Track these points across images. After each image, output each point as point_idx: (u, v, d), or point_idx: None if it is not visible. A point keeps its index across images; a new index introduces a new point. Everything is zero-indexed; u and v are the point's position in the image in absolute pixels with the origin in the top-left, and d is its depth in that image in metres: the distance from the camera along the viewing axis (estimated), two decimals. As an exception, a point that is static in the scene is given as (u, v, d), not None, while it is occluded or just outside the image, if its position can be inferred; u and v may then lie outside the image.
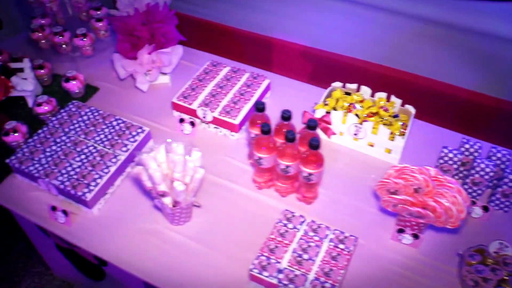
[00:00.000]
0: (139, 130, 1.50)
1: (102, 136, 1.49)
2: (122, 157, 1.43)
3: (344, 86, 1.60)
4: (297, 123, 1.41)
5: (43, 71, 1.77)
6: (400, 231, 1.29)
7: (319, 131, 1.52)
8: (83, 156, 1.43)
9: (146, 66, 1.67)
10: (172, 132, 1.61)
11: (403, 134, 1.48)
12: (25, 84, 1.63)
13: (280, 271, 1.16)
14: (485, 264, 1.19)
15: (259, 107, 1.33)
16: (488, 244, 1.23)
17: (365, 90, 1.58)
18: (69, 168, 1.40)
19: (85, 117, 1.55)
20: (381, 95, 1.55)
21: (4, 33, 1.60)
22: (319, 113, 1.52)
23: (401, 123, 1.51)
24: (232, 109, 1.55)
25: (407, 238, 1.29)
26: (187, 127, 1.57)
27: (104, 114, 1.56)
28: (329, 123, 1.50)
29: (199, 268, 1.26)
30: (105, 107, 1.62)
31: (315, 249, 1.20)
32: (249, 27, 1.99)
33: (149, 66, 1.67)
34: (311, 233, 1.24)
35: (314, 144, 1.22)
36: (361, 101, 1.56)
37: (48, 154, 1.44)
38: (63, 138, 1.49)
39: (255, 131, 1.37)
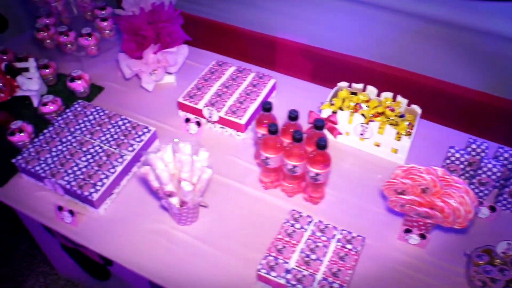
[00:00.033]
0: (145, 130, 1.50)
1: (108, 136, 1.49)
2: (128, 157, 1.43)
3: (350, 86, 1.60)
4: (303, 123, 1.40)
5: (48, 70, 1.77)
6: (407, 231, 1.28)
7: (325, 131, 1.52)
8: (89, 156, 1.43)
9: (152, 66, 1.66)
10: (178, 132, 1.60)
11: (409, 134, 1.48)
12: (31, 84, 1.63)
13: (288, 271, 1.16)
14: (492, 264, 1.19)
15: (266, 107, 1.32)
16: (495, 245, 1.23)
17: (371, 90, 1.58)
18: (75, 168, 1.40)
19: (90, 117, 1.55)
20: (387, 95, 1.55)
21: (9, 32, 1.59)
22: (325, 113, 1.52)
23: (407, 123, 1.51)
24: (238, 108, 1.55)
25: (414, 238, 1.29)
26: (193, 126, 1.57)
27: (110, 114, 1.56)
28: (335, 123, 1.50)
29: (206, 268, 1.26)
30: (110, 107, 1.62)
31: (322, 249, 1.20)
32: (254, 26, 1.99)
33: (155, 65, 1.67)
34: (318, 233, 1.24)
35: (322, 144, 1.22)
36: (367, 101, 1.56)
37: (54, 154, 1.44)
38: (69, 138, 1.49)
39: (262, 131, 1.37)
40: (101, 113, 1.56)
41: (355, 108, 1.53)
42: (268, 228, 1.31)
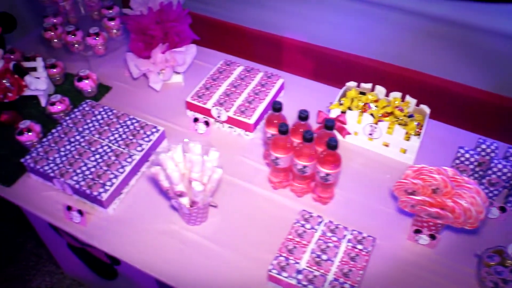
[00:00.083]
0: (154, 130, 1.50)
1: (116, 135, 1.49)
2: (137, 157, 1.43)
3: (358, 86, 1.60)
4: (312, 123, 1.40)
5: (55, 70, 1.76)
6: (417, 231, 1.28)
7: (334, 131, 1.52)
8: (97, 156, 1.43)
9: (160, 65, 1.66)
10: (186, 132, 1.60)
11: (418, 134, 1.48)
12: (39, 83, 1.63)
13: (299, 271, 1.15)
14: (504, 265, 1.19)
15: (276, 106, 1.32)
16: (505, 245, 1.22)
17: (380, 90, 1.57)
18: (84, 168, 1.40)
19: (98, 117, 1.55)
20: (396, 94, 1.55)
21: (15, 32, 1.59)
22: (334, 113, 1.52)
23: (417, 123, 1.50)
24: (247, 108, 1.55)
25: (423, 238, 1.29)
26: (201, 126, 1.57)
27: (118, 114, 1.56)
28: (344, 123, 1.50)
29: (216, 268, 1.26)
30: (117, 106, 1.62)
31: (333, 249, 1.20)
32: (262, 26, 1.99)
33: (163, 65, 1.66)
34: (329, 234, 1.24)
35: (333, 145, 1.21)
36: (376, 101, 1.55)
37: (62, 153, 1.44)
38: (77, 137, 1.49)
39: (272, 131, 1.36)
40: (109, 113, 1.56)
41: (364, 108, 1.53)
42: (277, 228, 1.31)
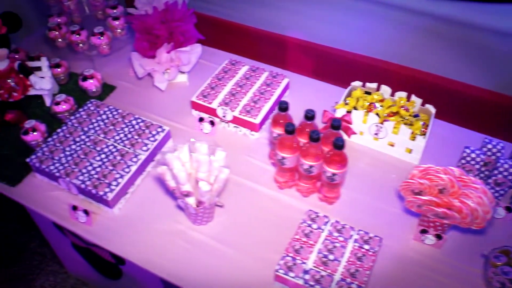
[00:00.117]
0: (159, 130, 1.50)
1: (122, 135, 1.49)
2: (143, 157, 1.42)
3: (364, 85, 1.59)
4: (317, 122, 1.40)
5: (59, 69, 1.76)
6: (423, 231, 1.28)
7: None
8: (103, 156, 1.43)
9: (165, 65, 1.66)
10: (191, 131, 1.60)
11: (424, 134, 1.48)
12: (43, 83, 1.63)
13: (306, 271, 1.15)
14: (511, 265, 1.18)
15: (283, 106, 1.32)
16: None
17: (385, 90, 1.57)
18: (89, 168, 1.40)
19: (104, 116, 1.55)
20: (402, 94, 1.54)
21: (20, 31, 1.59)
22: (339, 113, 1.51)
23: (422, 122, 1.50)
24: (253, 108, 1.54)
25: (430, 238, 1.28)
26: (206, 126, 1.57)
27: (123, 113, 1.55)
28: (349, 123, 1.49)
29: (222, 267, 1.26)
30: (122, 106, 1.62)
31: (340, 249, 1.20)
32: (266, 26, 1.98)
33: (168, 64, 1.66)
34: (335, 234, 1.24)
35: (339, 144, 1.21)
36: (381, 101, 1.55)
37: (68, 153, 1.44)
38: (83, 137, 1.49)
39: (278, 130, 1.36)
40: (114, 113, 1.56)
41: (370, 108, 1.53)
42: (283, 228, 1.31)
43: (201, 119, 1.57)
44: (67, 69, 1.79)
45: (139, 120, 1.53)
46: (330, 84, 1.76)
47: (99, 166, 1.40)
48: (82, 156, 1.43)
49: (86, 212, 1.34)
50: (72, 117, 1.55)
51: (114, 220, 1.38)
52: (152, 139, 1.47)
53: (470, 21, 1.61)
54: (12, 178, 1.47)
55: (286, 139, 1.28)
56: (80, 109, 1.57)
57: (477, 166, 1.37)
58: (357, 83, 1.59)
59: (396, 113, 1.51)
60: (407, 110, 1.50)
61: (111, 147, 1.45)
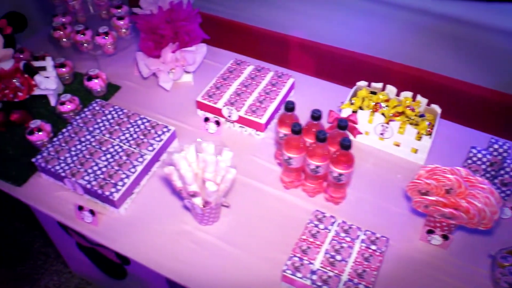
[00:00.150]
0: (165, 129, 1.50)
1: (127, 135, 1.49)
2: (149, 157, 1.42)
3: (369, 85, 1.59)
4: (323, 122, 1.40)
5: (64, 69, 1.76)
6: (430, 232, 1.28)
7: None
8: (108, 156, 1.43)
9: (170, 65, 1.66)
10: (197, 131, 1.60)
11: (430, 134, 1.47)
12: (48, 83, 1.63)
13: (313, 272, 1.15)
14: (518, 266, 1.19)
15: (289, 106, 1.32)
16: (518, 246, 1.22)
17: (391, 89, 1.57)
18: (95, 168, 1.40)
19: (109, 116, 1.55)
20: (407, 94, 1.54)
21: (25, 31, 1.59)
22: (345, 113, 1.51)
23: (428, 122, 1.50)
24: (258, 108, 1.54)
25: (436, 239, 1.28)
26: (212, 126, 1.57)
27: (129, 113, 1.55)
28: (355, 123, 1.49)
29: (228, 268, 1.26)
30: (127, 106, 1.61)
31: (347, 250, 1.19)
32: (271, 26, 1.98)
33: (173, 64, 1.66)
34: (342, 234, 1.23)
35: (346, 145, 1.21)
36: (387, 101, 1.55)
37: (73, 153, 1.44)
38: (88, 137, 1.48)
39: (284, 130, 1.36)
40: (120, 112, 1.56)
41: (375, 108, 1.52)
42: (290, 228, 1.31)
43: (206, 119, 1.57)
44: (72, 69, 1.79)
45: (144, 120, 1.53)
46: (335, 84, 1.76)
47: (105, 166, 1.40)
48: (88, 156, 1.43)
49: (92, 212, 1.34)
50: (77, 117, 1.55)
51: (120, 220, 1.38)
52: (158, 139, 1.47)
53: (475, 20, 1.61)
54: (17, 178, 1.47)
55: (292, 139, 1.28)
56: (85, 109, 1.57)
57: (484, 166, 1.37)
58: (362, 83, 1.59)
59: (401, 113, 1.51)
60: (412, 110, 1.50)
61: (116, 147, 1.45)
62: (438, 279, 1.23)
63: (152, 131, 1.49)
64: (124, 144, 1.46)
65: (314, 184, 1.37)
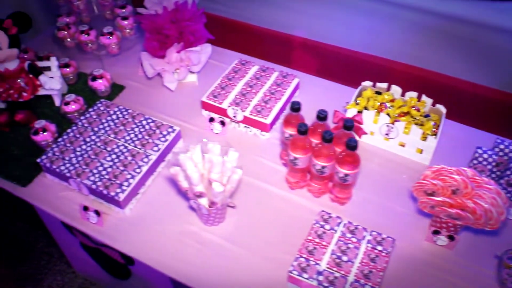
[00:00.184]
0: (170, 130, 1.50)
1: (132, 135, 1.48)
2: (154, 157, 1.42)
3: (374, 85, 1.59)
4: (328, 122, 1.39)
5: (68, 69, 1.76)
6: (435, 232, 1.27)
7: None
8: (114, 156, 1.43)
9: (175, 65, 1.66)
10: (202, 132, 1.60)
11: (435, 134, 1.47)
12: (53, 83, 1.62)
13: (319, 273, 1.15)
14: (524, 266, 1.18)
15: (295, 107, 1.32)
16: (526, 246, 1.22)
17: (396, 90, 1.57)
18: (100, 168, 1.40)
19: (114, 116, 1.55)
20: (412, 94, 1.54)
21: (29, 31, 1.59)
22: (350, 113, 1.51)
23: (433, 123, 1.50)
24: (263, 108, 1.54)
25: (442, 239, 1.28)
26: (217, 126, 1.57)
27: (134, 113, 1.55)
28: (360, 123, 1.49)
29: (234, 268, 1.26)
30: (131, 106, 1.61)
31: (354, 250, 1.19)
32: (275, 26, 1.98)
33: (178, 64, 1.66)
34: (348, 235, 1.23)
35: (352, 145, 1.21)
36: (392, 101, 1.54)
37: (78, 153, 1.44)
38: (93, 137, 1.48)
39: (290, 131, 1.36)
40: (125, 113, 1.55)
41: (380, 108, 1.52)
42: (295, 228, 1.31)
43: (211, 119, 1.56)
44: (76, 69, 1.79)
45: (149, 120, 1.52)
46: (339, 84, 1.76)
47: (110, 166, 1.40)
48: (93, 157, 1.43)
49: (97, 212, 1.34)
50: (82, 117, 1.55)
51: (125, 220, 1.38)
52: (163, 139, 1.47)
53: (478, 20, 1.60)
54: (22, 178, 1.47)
55: (298, 139, 1.28)
56: (90, 109, 1.57)
57: (489, 167, 1.37)
58: (367, 83, 1.59)
59: (407, 113, 1.51)
60: (418, 110, 1.50)
61: (121, 148, 1.45)
62: (444, 280, 1.23)
63: (157, 131, 1.49)
64: (129, 144, 1.46)
65: (320, 184, 1.37)
